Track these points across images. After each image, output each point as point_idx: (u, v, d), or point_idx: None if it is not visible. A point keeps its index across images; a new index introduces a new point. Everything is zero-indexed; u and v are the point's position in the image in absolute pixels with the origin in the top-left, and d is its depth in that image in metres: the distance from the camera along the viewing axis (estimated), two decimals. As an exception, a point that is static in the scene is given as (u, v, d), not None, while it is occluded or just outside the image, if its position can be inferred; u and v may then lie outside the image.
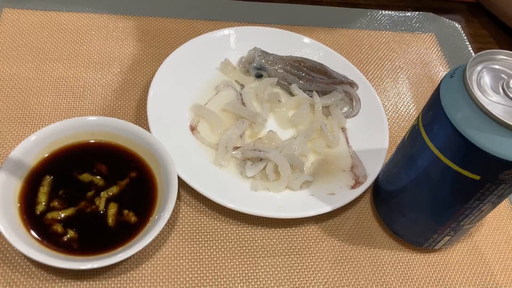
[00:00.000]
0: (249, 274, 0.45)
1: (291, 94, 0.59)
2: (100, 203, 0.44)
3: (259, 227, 0.48)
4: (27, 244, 0.39)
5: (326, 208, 0.48)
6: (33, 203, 0.43)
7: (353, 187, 0.50)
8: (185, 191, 0.49)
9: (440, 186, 0.41)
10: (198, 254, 0.46)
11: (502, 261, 0.50)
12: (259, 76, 0.60)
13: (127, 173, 0.47)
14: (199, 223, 0.48)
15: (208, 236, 0.47)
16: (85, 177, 0.46)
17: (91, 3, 0.65)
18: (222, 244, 0.47)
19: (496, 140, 0.35)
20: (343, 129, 0.57)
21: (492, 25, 0.81)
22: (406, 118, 0.62)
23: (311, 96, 0.58)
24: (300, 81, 0.60)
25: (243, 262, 0.46)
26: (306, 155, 0.54)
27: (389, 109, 0.62)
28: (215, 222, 0.48)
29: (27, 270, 0.42)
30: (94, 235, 0.43)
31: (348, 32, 0.71)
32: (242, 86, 0.60)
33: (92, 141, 0.48)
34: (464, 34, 0.75)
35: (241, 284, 0.44)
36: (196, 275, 0.44)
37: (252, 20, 0.68)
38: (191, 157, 0.50)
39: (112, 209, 0.44)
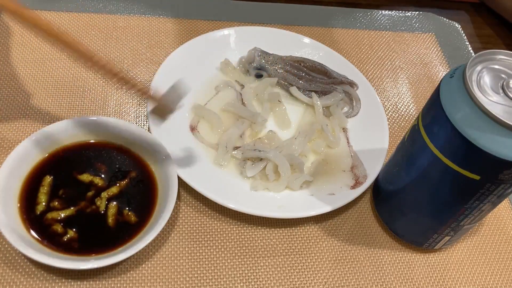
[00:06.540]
0: (249, 274, 0.45)
1: (291, 94, 0.59)
2: (101, 203, 0.44)
3: (259, 227, 0.48)
4: (27, 244, 0.39)
5: (326, 208, 0.48)
6: (33, 203, 0.43)
7: (353, 187, 0.50)
8: (185, 191, 0.49)
9: (440, 186, 0.41)
10: (198, 254, 0.46)
11: (502, 261, 0.50)
12: (259, 76, 0.60)
13: (127, 173, 0.47)
14: (199, 223, 0.48)
15: (208, 236, 0.47)
16: (85, 177, 0.46)
17: (91, 3, 0.65)
18: (222, 244, 0.47)
19: (496, 140, 0.35)
20: (344, 129, 0.57)
21: (492, 25, 0.81)
22: (406, 118, 0.62)
23: (311, 97, 0.58)
24: (300, 81, 0.60)
25: (243, 262, 0.46)
26: (306, 155, 0.54)
27: (389, 109, 0.62)
28: (215, 222, 0.48)
29: (27, 270, 0.42)
30: (94, 235, 0.43)
31: (348, 32, 0.71)
32: (242, 86, 0.59)
33: (92, 141, 0.48)
34: (464, 34, 0.75)
35: (241, 284, 0.44)
36: (196, 275, 0.44)
37: (252, 20, 0.68)
38: (191, 157, 0.50)
39: (112, 209, 0.44)
